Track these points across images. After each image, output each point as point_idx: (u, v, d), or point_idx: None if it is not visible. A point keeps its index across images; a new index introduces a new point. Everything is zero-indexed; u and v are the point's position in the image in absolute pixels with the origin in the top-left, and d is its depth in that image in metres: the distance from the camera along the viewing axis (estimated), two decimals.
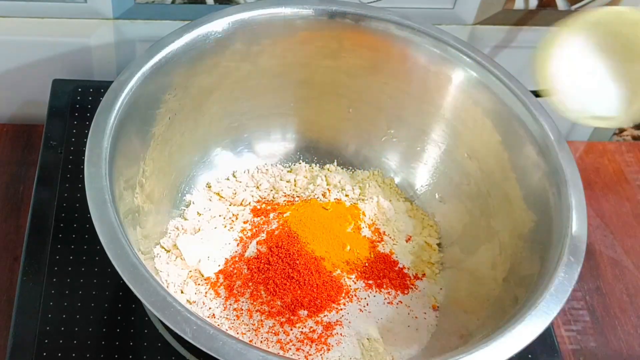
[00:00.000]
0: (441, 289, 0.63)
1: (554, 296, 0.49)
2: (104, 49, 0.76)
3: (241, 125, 0.68)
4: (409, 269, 0.63)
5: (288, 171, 0.70)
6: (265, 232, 0.62)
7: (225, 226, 0.64)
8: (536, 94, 0.60)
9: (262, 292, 0.58)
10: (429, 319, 0.61)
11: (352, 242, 0.63)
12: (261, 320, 0.57)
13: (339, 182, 0.69)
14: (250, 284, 0.59)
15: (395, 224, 0.66)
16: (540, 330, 0.47)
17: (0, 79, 0.77)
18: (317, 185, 0.68)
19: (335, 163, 0.71)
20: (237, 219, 0.64)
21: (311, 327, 0.58)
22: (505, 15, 0.76)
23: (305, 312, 0.58)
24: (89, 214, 0.48)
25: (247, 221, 0.64)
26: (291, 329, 0.57)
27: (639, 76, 0.58)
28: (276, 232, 0.62)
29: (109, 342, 0.57)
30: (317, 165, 0.71)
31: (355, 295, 0.60)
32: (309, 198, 0.67)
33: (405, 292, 0.62)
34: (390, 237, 0.65)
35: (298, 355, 0.56)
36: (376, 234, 0.65)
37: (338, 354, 0.57)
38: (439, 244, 0.66)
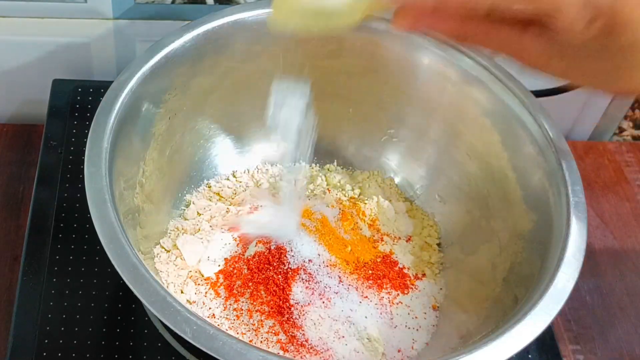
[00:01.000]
0: (441, 289, 0.63)
1: (554, 296, 0.49)
2: (104, 49, 0.76)
3: (241, 125, 0.67)
4: (409, 269, 0.63)
5: (288, 171, 0.70)
6: None
7: (225, 226, 0.64)
8: (537, 93, 0.60)
9: (262, 292, 0.58)
10: (429, 319, 0.61)
11: (352, 242, 0.63)
12: (261, 320, 0.57)
13: (339, 182, 0.69)
14: (250, 284, 0.59)
15: (395, 224, 0.66)
16: (540, 330, 0.47)
17: (0, 79, 0.77)
18: (317, 185, 0.68)
19: (335, 163, 0.71)
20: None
21: None
22: None
23: None
24: (89, 214, 0.48)
25: None
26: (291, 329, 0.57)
27: None
28: None
29: (109, 342, 0.57)
30: (317, 165, 0.71)
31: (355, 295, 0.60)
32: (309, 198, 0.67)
33: (405, 292, 0.62)
34: (390, 237, 0.65)
35: (298, 355, 0.56)
36: (376, 234, 0.65)
37: (338, 353, 0.57)
38: (439, 244, 0.66)
